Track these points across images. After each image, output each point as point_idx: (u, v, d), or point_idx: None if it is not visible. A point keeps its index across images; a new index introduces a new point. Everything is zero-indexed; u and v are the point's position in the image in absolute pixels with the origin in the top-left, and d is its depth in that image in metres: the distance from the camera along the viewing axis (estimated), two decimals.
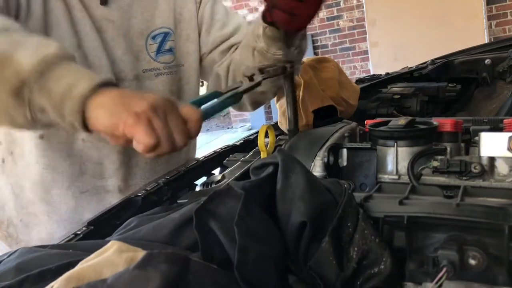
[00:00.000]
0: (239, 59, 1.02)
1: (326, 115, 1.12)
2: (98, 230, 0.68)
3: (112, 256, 0.40)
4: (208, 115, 0.67)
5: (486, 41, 4.49)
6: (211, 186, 0.84)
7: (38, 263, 0.46)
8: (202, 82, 1.25)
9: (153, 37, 1.01)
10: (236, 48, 1.07)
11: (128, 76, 0.98)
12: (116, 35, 0.97)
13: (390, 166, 0.70)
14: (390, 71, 1.73)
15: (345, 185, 0.52)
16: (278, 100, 1.20)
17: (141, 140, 0.58)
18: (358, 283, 0.47)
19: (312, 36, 6.02)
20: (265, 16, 0.86)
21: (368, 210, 0.52)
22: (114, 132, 0.60)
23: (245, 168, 0.89)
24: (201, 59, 1.11)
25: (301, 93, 1.12)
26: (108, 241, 0.43)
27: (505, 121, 0.69)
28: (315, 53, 5.94)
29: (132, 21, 0.99)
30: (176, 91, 1.06)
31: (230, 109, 7.16)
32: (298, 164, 0.51)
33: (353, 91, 1.21)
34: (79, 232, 0.65)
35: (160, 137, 0.59)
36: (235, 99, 0.73)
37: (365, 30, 5.45)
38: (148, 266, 0.36)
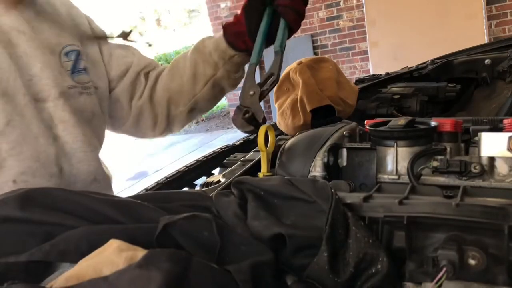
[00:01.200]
0: (177, 87, 1.01)
1: (324, 115, 1.13)
2: None
3: (112, 255, 0.40)
4: None
5: (486, 41, 4.48)
6: (211, 186, 0.84)
7: None
8: None
9: (66, 54, 0.91)
10: (147, 74, 1.04)
11: (51, 95, 0.85)
12: (30, 48, 0.84)
13: (390, 166, 0.70)
14: (390, 71, 1.73)
15: (332, 190, 0.51)
16: (277, 100, 1.21)
17: None
18: (358, 283, 0.47)
19: (312, 36, 6.02)
20: (239, 44, 0.92)
21: (368, 210, 0.52)
22: None
23: (245, 168, 0.89)
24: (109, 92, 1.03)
25: (299, 93, 1.12)
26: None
27: (505, 121, 0.69)
28: (315, 53, 5.94)
29: (43, 35, 0.88)
30: (98, 113, 0.96)
31: (231, 109, 7.15)
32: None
33: (351, 91, 1.21)
34: None
35: None
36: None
37: (365, 30, 5.45)
38: (149, 265, 0.36)
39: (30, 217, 0.47)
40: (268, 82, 0.77)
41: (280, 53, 0.80)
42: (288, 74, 1.18)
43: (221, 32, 0.97)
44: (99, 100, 0.97)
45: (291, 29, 0.89)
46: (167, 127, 1.07)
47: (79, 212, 0.48)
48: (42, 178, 0.82)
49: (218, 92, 1.03)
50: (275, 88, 1.21)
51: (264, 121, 0.75)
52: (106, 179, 0.96)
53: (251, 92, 0.75)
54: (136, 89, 1.03)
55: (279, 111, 1.18)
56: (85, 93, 0.91)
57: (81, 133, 0.88)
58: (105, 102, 0.99)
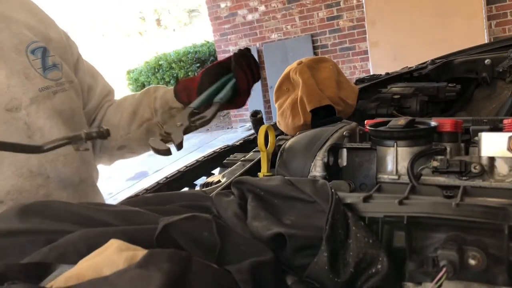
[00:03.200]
0: (115, 122, 1.01)
1: (324, 115, 1.13)
2: None
3: (112, 255, 0.40)
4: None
5: (486, 41, 4.49)
6: (211, 186, 0.84)
7: None
8: None
9: (32, 52, 0.85)
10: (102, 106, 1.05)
11: (23, 103, 0.81)
12: None
13: (390, 166, 0.70)
14: (390, 71, 1.73)
15: (333, 190, 0.51)
16: (277, 100, 1.20)
17: None
18: (359, 283, 0.47)
19: (312, 36, 6.02)
20: (183, 96, 0.94)
21: (368, 210, 0.52)
22: None
23: (245, 168, 0.89)
24: None
25: (299, 93, 1.12)
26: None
27: (505, 121, 0.69)
28: (315, 53, 5.95)
29: (1, 36, 0.82)
30: (78, 108, 0.93)
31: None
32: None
33: (351, 91, 1.21)
34: None
35: None
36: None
37: (365, 30, 5.45)
38: (150, 265, 0.36)
39: (30, 228, 0.47)
40: (198, 121, 0.78)
41: (218, 104, 0.82)
42: (288, 74, 1.18)
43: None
44: (76, 93, 0.93)
45: (238, 90, 0.90)
46: (95, 157, 1.05)
47: (78, 221, 0.48)
48: (30, 192, 0.80)
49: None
50: (275, 88, 1.21)
51: (180, 147, 0.73)
52: (90, 177, 0.95)
53: (179, 124, 0.77)
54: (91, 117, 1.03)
55: (279, 111, 1.18)
56: (59, 91, 0.87)
57: (60, 136, 0.84)
58: (82, 94, 0.98)
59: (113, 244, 0.41)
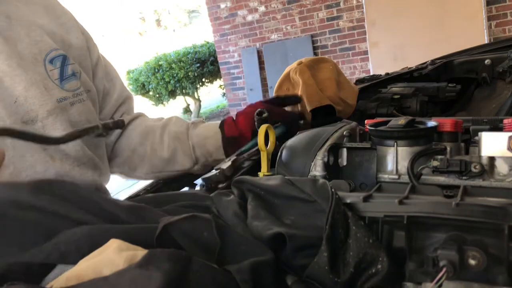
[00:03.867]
0: (142, 154, 1.01)
1: (324, 115, 1.13)
2: None
3: (112, 254, 0.40)
4: None
5: (486, 41, 4.49)
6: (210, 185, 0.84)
7: None
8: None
9: (51, 61, 0.82)
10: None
11: (39, 115, 0.78)
12: (10, 67, 0.76)
13: (390, 165, 0.70)
14: (390, 71, 1.73)
15: (333, 190, 0.51)
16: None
17: None
18: (358, 283, 0.47)
19: (312, 36, 6.02)
20: (230, 151, 0.96)
21: (368, 209, 0.52)
22: None
23: (245, 168, 0.89)
24: None
25: (299, 93, 1.12)
26: None
27: (505, 121, 0.69)
28: (315, 54, 5.95)
29: (19, 46, 0.79)
30: (93, 120, 0.90)
31: (231, 109, 7.11)
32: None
33: (351, 91, 1.21)
34: None
35: None
36: None
37: (365, 30, 5.45)
38: (150, 265, 0.36)
39: (39, 204, 0.47)
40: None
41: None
42: (288, 74, 1.18)
43: (208, 128, 1.00)
44: (93, 102, 0.91)
45: (289, 131, 0.94)
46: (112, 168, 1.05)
47: (88, 207, 0.49)
48: None
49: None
50: (275, 88, 1.21)
51: None
52: (102, 186, 0.94)
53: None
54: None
55: None
56: (77, 102, 0.85)
57: (74, 147, 0.83)
58: (98, 99, 0.95)
59: (113, 244, 0.41)
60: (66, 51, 0.86)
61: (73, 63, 0.86)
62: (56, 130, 0.80)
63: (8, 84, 0.76)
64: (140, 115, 1.08)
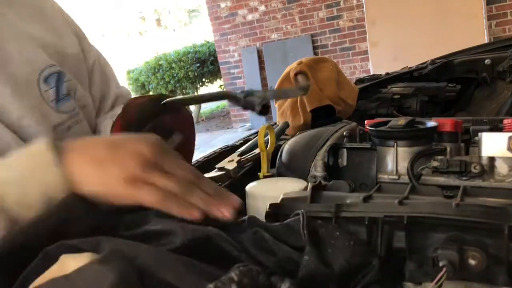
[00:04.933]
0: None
1: (324, 115, 1.13)
2: None
3: (78, 256, 0.40)
4: None
5: (486, 41, 4.48)
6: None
7: None
8: None
9: (45, 80, 0.73)
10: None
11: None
12: (2, 95, 0.68)
13: (390, 166, 0.70)
14: (390, 71, 1.73)
15: (304, 213, 0.49)
16: (277, 100, 1.21)
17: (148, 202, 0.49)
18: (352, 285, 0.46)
19: (312, 36, 6.02)
20: None
21: (368, 210, 0.52)
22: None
23: (245, 168, 0.89)
24: None
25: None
26: None
27: (505, 121, 0.69)
28: (315, 53, 5.95)
29: (10, 67, 0.69)
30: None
31: (231, 109, 7.12)
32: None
33: (351, 91, 1.21)
34: None
35: (170, 189, 0.49)
36: None
37: (365, 30, 5.45)
38: (110, 261, 0.36)
39: None
40: None
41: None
42: (288, 74, 1.18)
43: None
44: (90, 118, 0.84)
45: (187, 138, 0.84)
46: None
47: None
48: None
49: None
50: (274, 88, 1.21)
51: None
52: None
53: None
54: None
55: (279, 111, 1.18)
56: (73, 125, 0.78)
57: None
58: (94, 106, 0.88)
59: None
60: (61, 63, 0.78)
61: (68, 79, 0.78)
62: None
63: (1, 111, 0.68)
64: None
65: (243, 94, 0.62)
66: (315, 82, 1.13)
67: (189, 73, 8.22)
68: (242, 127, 7.00)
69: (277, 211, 0.56)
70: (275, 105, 1.22)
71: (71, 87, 0.79)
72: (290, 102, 1.14)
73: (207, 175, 0.81)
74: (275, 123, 1.20)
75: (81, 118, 0.81)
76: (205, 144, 6.11)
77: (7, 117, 0.69)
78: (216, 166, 0.84)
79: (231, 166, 0.82)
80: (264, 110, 0.61)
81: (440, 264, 0.43)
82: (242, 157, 0.86)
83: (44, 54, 0.75)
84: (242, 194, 0.68)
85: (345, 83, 1.21)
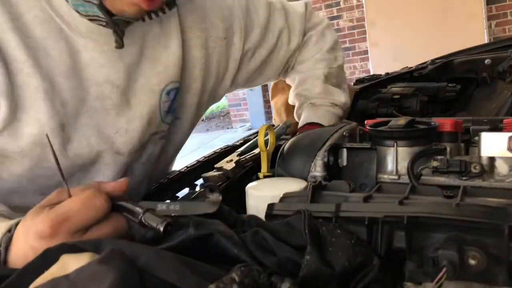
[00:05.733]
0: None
1: None
2: None
3: (80, 255, 0.40)
4: None
5: (486, 41, 4.49)
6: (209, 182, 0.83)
7: None
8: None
9: (168, 93, 0.80)
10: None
11: (130, 148, 0.79)
12: (120, 102, 0.74)
13: (390, 166, 0.70)
14: (390, 71, 1.73)
15: (306, 211, 0.49)
16: (273, 98, 1.21)
17: None
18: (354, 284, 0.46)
19: None
20: None
21: (368, 210, 0.52)
22: None
23: (245, 168, 0.89)
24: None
25: None
26: None
27: (505, 121, 0.69)
28: None
29: (140, 81, 0.77)
30: (166, 148, 0.92)
31: (231, 109, 7.12)
32: None
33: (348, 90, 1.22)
34: None
35: None
36: None
37: (365, 30, 5.45)
38: (110, 261, 0.36)
39: None
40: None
41: None
42: (276, 84, 1.19)
43: None
44: (171, 132, 0.89)
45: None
46: None
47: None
48: None
49: None
50: (271, 86, 1.22)
51: None
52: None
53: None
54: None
55: (275, 109, 1.19)
56: (162, 138, 0.85)
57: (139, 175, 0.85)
58: (183, 129, 0.94)
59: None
60: (180, 77, 0.83)
61: (180, 97, 0.85)
62: (138, 163, 0.83)
63: (111, 118, 0.75)
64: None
65: (142, 210, 0.49)
66: None
67: None
68: (242, 127, 7.00)
69: (277, 211, 0.56)
70: (271, 102, 1.22)
71: (176, 105, 0.85)
72: (284, 101, 1.15)
73: (206, 175, 0.81)
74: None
75: (166, 134, 0.87)
76: (205, 144, 6.12)
77: (120, 120, 0.75)
78: (214, 166, 0.84)
79: (229, 166, 0.82)
80: (168, 229, 0.48)
81: (440, 264, 0.43)
82: (241, 157, 0.86)
83: (172, 70, 0.81)
84: (242, 194, 0.68)
85: None
